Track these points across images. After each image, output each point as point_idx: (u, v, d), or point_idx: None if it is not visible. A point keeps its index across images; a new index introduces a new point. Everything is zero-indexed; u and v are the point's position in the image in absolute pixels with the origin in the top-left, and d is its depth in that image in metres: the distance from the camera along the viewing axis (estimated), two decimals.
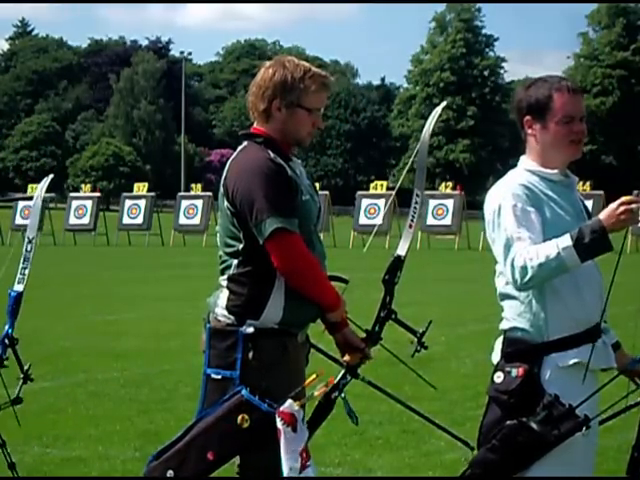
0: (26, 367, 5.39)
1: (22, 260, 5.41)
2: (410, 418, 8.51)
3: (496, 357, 4.20)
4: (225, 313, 4.30)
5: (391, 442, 7.70)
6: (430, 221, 34.97)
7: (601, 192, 32.47)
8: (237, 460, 4.32)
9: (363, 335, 4.46)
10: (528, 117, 4.09)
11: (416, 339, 4.51)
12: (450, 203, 35.31)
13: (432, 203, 35.15)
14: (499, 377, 4.04)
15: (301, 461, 4.03)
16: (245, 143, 4.41)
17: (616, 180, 66.68)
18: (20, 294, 5.30)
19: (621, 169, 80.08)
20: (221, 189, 4.35)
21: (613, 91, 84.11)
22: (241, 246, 4.27)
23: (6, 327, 5.26)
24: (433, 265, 26.70)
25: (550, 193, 4.08)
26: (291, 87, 4.32)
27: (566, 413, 3.91)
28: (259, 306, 4.25)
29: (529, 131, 4.11)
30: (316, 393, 4.16)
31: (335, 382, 4.32)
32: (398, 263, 4.43)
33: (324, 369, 4.18)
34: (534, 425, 3.91)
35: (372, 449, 7.50)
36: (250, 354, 4.22)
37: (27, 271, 5.36)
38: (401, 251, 4.46)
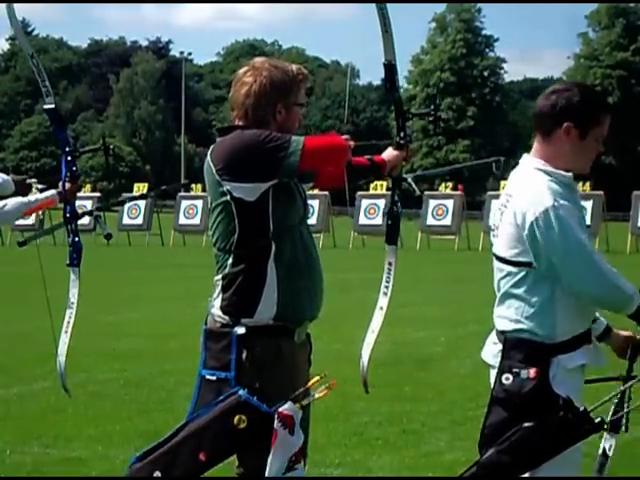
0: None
1: None
2: (410, 418, 8.50)
3: (490, 356, 4.18)
4: (220, 314, 4.30)
5: (391, 442, 7.68)
6: (430, 221, 34.83)
7: (601, 192, 32.35)
8: (236, 461, 4.31)
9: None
10: (570, 124, 4.03)
11: (432, 116, 5.04)
12: (450, 203, 35.17)
13: (432, 203, 35.02)
14: (508, 379, 4.01)
15: (289, 464, 4.03)
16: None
17: (616, 180, 66.71)
18: None
19: (621, 169, 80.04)
20: (213, 173, 4.26)
21: (613, 91, 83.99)
22: (235, 237, 4.25)
23: None
24: (433, 265, 26.67)
25: (569, 196, 4.03)
26: (290, 88, 4.34)
27: (582, 415, 3.93)
28: (252, 303, 4.24)
29: (563, 135, 4.04)
30: (317, 395, 4.15)
31: (391, 195, 4.74)
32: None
33: (327, 371, 4.17)
34: (551, 428, 3.91)
35: (372, 449, 7.49)
36: (244, 355, 4.21)
37: None
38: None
